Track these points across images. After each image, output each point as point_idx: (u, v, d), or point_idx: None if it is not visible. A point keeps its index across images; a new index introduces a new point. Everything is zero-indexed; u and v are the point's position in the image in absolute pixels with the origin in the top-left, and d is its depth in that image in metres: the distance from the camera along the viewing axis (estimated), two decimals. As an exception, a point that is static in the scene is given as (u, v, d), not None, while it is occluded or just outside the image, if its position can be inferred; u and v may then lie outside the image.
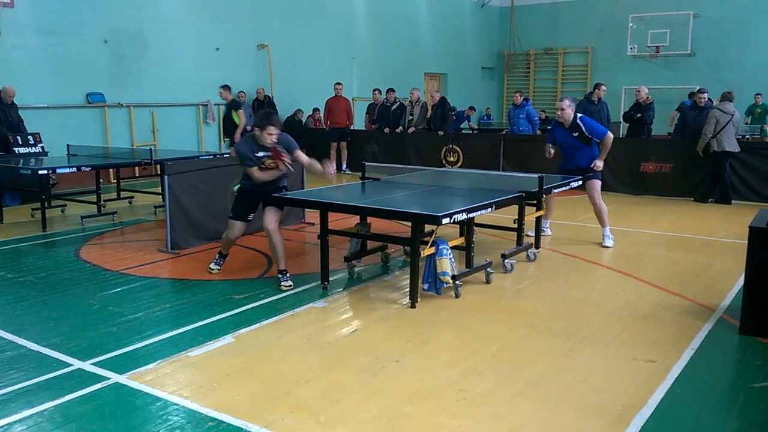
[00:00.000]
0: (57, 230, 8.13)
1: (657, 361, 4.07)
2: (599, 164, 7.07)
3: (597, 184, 7.13)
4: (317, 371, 3.92)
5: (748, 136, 13.70)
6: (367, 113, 14.93)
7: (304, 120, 16.02)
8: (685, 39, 19.68)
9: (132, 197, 10.07)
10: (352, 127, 14.35)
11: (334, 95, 13.96)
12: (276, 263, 5.66)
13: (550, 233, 7.66)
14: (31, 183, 8.75)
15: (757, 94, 16.63)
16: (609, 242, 7.13)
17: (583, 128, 7.02)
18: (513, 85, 23.90)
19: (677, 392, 3.66)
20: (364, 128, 15.30)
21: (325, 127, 14.13)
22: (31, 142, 10.23)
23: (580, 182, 6.94)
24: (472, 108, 19.00)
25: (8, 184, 9.21)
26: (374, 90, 14.75)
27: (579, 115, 7.14)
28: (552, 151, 7.33)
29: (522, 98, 13.20)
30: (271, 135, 5.35)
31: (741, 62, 19.48)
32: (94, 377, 3.81)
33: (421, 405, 3.48)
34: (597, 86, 11.60)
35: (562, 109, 7.06)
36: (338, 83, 14.07)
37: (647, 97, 11.64)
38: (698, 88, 11.48)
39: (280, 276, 5.58)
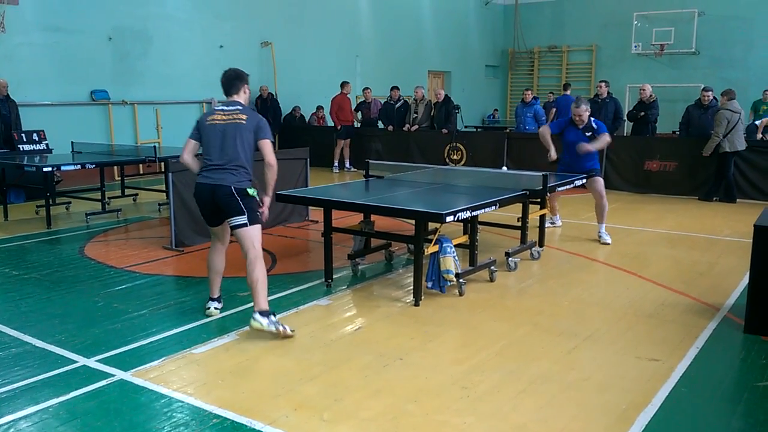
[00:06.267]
0: (61, 227, 8.15)
1: (661, 359, 4.06)
2: (585, 148, 7.05)
3: (602, 181, 7.32)
4: (321, 369, 3.92)
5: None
6: (357, 110, 14.90)
7: (307, 117, 16.01)
8: (690, 37, 19.61)
9: (136, 194, 10.10)
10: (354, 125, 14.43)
11: (342, 93, 13.95)
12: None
13: (560, 224, 8.05)
14: (35, 180, 8.78)
15: (766, 91, 16.47)
16: (608, 239, 7.26)
17: (596, 129, 7.17)
18: (517, 83, 23.85)
19: (681, 391, 3.66)
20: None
21: (336, 126, 14.01)
22: (36, 139, 10.26)
23: (585, 180, 6.99)
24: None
25: (13, 181, 9.23)
26: (364, 89, 14.77)
27: (591, 117, 7.28)
28: (554, 155, 7.36)
29: (532, 96, 13.17)
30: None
31: (745, 60, 19.40)
32: (99, 374, 3.82)
33: (424, 403, 3.49)
34: (598, 84, 11.67)
35: (581, 115, 7.13)
36: (347, 82, 14.11)
37: (651, 95, 11.60)
38: (703, 86, 11.45)
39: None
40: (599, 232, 7.28)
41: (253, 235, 4.48)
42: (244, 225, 4.44)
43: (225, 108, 4.62)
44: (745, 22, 19.33)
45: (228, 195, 4.43)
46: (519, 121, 13.25)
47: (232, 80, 4.66)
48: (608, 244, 7.14)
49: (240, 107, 4.60)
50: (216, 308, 4.85)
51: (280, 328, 4.39)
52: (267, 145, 4.59)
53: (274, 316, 4.46)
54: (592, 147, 7.07)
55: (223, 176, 4.45)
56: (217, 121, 4.57)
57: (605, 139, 7.20)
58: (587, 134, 7.15)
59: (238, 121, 4.53)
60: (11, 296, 5.33)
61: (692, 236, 7.70)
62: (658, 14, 19.91)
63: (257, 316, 4.38)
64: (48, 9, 11.29)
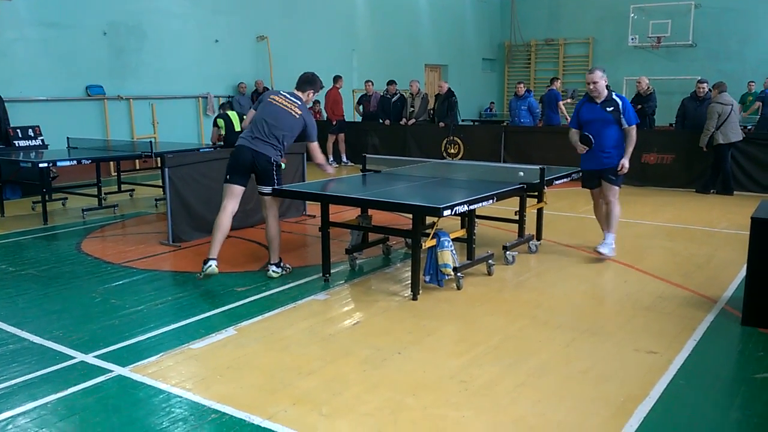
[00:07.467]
0: (58, 223, 8.13)
1: (659, 352, 4.07)
2: (626, 165, 6.17)
3: (617, 189, 6.31)
4: (319, 363, 3.92)
5: (750, 126, 13.62)
6: (359, 104, 14.86)
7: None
8: (687, 29, 19.62)
9: (133, 190, 10.07)
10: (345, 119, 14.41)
11: (335, 87, 13.86)
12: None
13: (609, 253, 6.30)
14: (31, 176, 8.76)
15: (750, 82, 16.42)
16: (606, 250, 6.27)
17: (620, 104, 6.11)
18: (514, 76, 23.83)
19: (679, 383, 3.66)
20: (354, 119, 15.23)
21: (332, 121, 13.89)
22: (31, 135, 10.23)
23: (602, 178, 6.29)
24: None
25: (9, 177, 9.20)
26: (366, 81, 14.70)
27: (613, 90, 6.25)
28: (585, 148, 6.22)
29: (525, 89, 13.10)
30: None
31: (742, 52, 19.42)
32: (97, 370, 3.82)
33: (423, 397, 3.49)
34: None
35: (595, 82, 6.08)
36: (340, 76, 14.04)
37: (648, 88, 11.59)
38: (698, 78, 11.44)
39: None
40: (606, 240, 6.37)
41: (273, 200, 5.55)
42: (270, 193, 5.47)
43: (288, 95, 5.62)
44: (742, 14, 19.35)
45: (267, 162, 5.44)
46: (513, 115, 13.19)
47: (304, 82, 5.73)
48: (603, 254, 6.26)
49: (299, 103, 5.59)
50: (215, 266, 5.23)
51: (287, 268, 5.69)
52: (315, 148, 5.78)
53: (281, 261, 5.67)
54: (626, 160, 6.14)
55: (265, 147, 5.43)
56: (276, 103, 5.55)
57: (633, 134, 6.15)
58: (608, 109, 6.09)
59: (293, 113, 5.54)
60: (8, 292, 5.32)
61: (690, 229, 7.71)
62: (655, 6, 19.92)
63: (273, 267, 5.59)
64: (42, 4, 11.22)
